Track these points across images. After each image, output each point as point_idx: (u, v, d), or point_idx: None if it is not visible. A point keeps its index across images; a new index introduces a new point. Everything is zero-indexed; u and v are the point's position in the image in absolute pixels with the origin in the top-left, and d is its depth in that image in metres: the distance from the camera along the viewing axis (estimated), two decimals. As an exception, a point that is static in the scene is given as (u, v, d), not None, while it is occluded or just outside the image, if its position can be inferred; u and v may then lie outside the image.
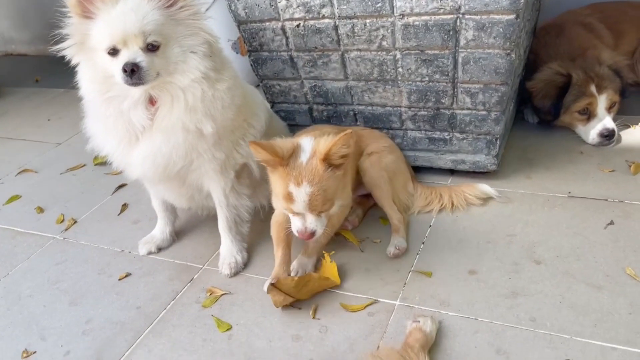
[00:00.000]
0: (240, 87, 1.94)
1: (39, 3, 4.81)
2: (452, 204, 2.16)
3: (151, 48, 1.66)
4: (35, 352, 1.78)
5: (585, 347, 1.52)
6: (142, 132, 1.78)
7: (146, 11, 1.65)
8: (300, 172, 1.65)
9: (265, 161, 1.70)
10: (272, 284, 1.77)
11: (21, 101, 4.02)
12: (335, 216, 1.90)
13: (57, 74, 4.43)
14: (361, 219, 2.17)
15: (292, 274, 1.87)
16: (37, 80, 4.42)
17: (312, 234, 1.71)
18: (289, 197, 1.67)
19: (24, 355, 1.77)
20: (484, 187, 2.18)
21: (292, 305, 1.79)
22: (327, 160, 1.66)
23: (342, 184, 1.79)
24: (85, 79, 1.79)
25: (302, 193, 1.65)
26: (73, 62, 1.79)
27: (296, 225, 1.72)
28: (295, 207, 1.68)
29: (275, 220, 1.95)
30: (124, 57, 1.65)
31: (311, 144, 1.71)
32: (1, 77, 4.32)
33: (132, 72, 1.62)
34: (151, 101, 1.77)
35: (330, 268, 1.87)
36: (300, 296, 1.80)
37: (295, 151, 1.69)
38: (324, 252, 1.89)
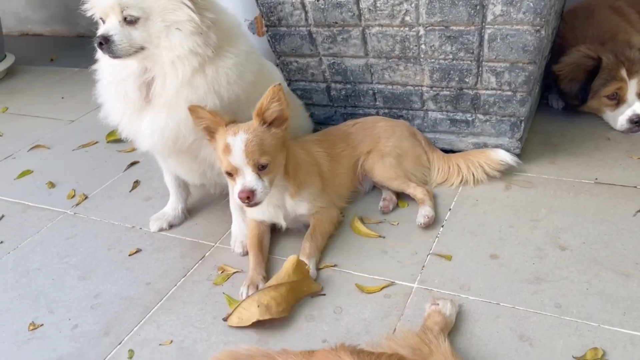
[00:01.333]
0: (254, 63, 1.88)
1: (56, -18, 4.79)
2: (473, 177, 2.11)
3: (129, 21, 1.64)
4: (42, 325, 1.74)
5: (614, 335, 1.44)
6: (141, 103, 1.75)
7: None
8: (237, 126, 1.70)
9: (206, 125, 1.72)
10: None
11: (36, 79, 3.99)
12: (325, 218, 1.93)
13: (72, 53, 4.45)
14: (395, 197, 2.10)
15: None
16: (52, 59, 4.39)
17: (251, 191, 1.66)
18: (227, 149, 1.67)
19: (31, 327, 1.73)
20: (501, 153, 2.10)
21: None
22: (261, 116, 1.71)
23: (284, 158, 1.80)
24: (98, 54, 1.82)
25: (238, 141, 1.66)
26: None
27: (236, 187, 1.69)
28: (232, 158, 1.66)
29: (249, 227, 1.95)
30: (102, 28, 1.66)
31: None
32: (17, 56, 4.28)
33: (101, 45, 1.63)
34: (146, 72, 1.74)
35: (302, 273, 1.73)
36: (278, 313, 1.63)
37: (235, 120, 1.75)
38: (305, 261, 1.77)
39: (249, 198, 1.67)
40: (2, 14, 4.61)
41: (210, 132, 1.76)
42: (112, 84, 1.78)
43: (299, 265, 1.71)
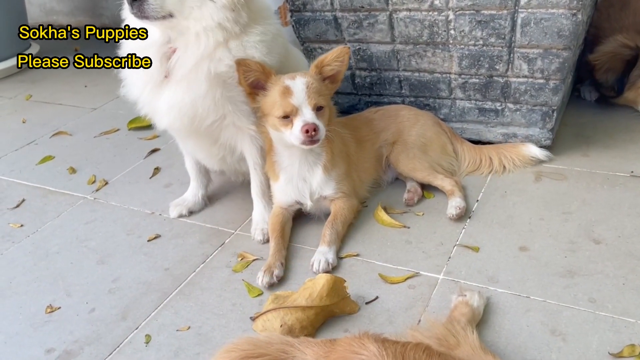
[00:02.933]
0: (280, 46, 1.86)
1: (81, -26, 4.81)
2: (504, 168, 2.07)
3: None
4: (59, 307, 1.72)
5: (653, 332, 1.37)
6: (161, 75, 1.72)
7: None
8: (291, 74, 1.74)
9: (255, 77, 1.71)
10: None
11: (59, 68, 4.00)
12: (347, 205, 1.88)
13: (96, 44, 4.45)
14: (420, 189, 2.04)
15: (315, 265, 1.71)
16: (76, 49, 4.41)
17: (314, 126, 1.66)
18: (286, 91, 1.68)
19: (48, 310, 1.71)
20: (533, 149, 2.06)
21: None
22: (320, 68, 1.77)
23: (330, 112, 1.81)
24: (125, 16, 1.79)
25: (298, 82, 1.70)
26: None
27: (297, 126, 1.68)
28: (294, 98, 1.67)
29: (273, 213, 1.91)
30: None
31: None
32: (42, 45, 4.31)
33: (134, 1, 1.58)
34: (169, 44, 1.71)
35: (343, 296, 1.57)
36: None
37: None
38: (344, 281, 1.59)
39: (314, 131, 1.66)
40: (28, 5, 4.64)
41: (254, 88, 1.74)
42: (133, 53, 1.75)
43: (336, 286, 1.53)
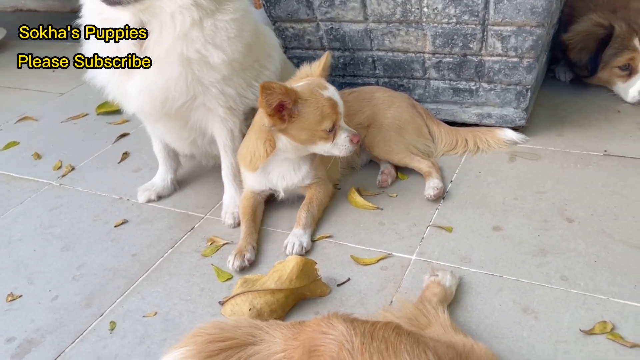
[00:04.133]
0: (251, 23, 1.80)
1: (50, -44, 4.66)
2: (478, 149, 2.06)
3: None
4: (21, 296, 1.66)
5: (624, 308, 1.36)
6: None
7: None
8: (314, 83, 1.71)
9: (280, 99, 1.59)
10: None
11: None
12: (322, 189, 1.86)
13: (65, 28, 4.34)
14: (394, 170, 2.01)
15: (289, 247, 1.67)
16: (45, 34, 4.29)
17: (358, 134, 1.76)
18: (333, 104, 1.68)
19: (9, 298, 1.65)
20: (508, 133, 2.06)
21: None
22: (324, 73, 1.79)
23: None
24: (84, 0, 1.73)
25: (334, 92, 1.71)
26: None
27: (344, 137, 1.71)
28: (339, 109, 1.70)
29: (243, 197, 1.87)
30: None
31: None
32: (9, 30, 4.18)
33: None
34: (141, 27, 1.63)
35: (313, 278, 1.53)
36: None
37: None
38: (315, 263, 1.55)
39: (359, 142, 1.75)
40: (-5, -12, 4.51)
41: (279, 110, 1.62)
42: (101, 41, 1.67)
43: (306, 268, 1.50)
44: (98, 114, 2.78)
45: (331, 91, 1.70)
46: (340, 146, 1.71)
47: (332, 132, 1.69)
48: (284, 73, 2.00)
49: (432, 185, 1.84)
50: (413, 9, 1.95)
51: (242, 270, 1.64)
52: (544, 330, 1.33)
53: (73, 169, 2.31)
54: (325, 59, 1.78)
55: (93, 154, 2.42)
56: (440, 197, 1.83)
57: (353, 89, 2.12)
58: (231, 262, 1.63)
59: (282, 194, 1.84)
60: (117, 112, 2.67)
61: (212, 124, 1.82)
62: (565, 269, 1.50)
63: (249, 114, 1.87)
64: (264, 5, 2.19)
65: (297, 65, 2.25)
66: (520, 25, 1.84)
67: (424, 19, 1.96)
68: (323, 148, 1.72)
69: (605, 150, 1.98)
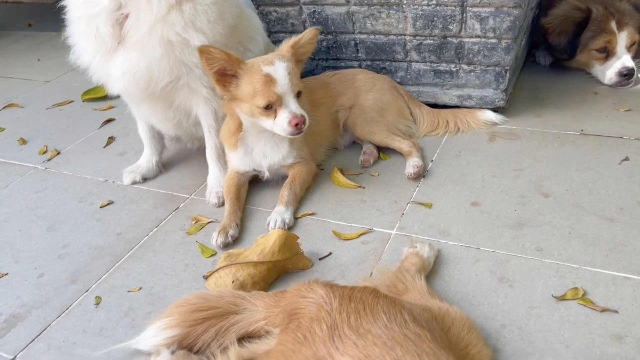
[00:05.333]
0: (233, 6, 1.82)
1: (34, -54, 4.63)
2: (459, 129, 2.10)
3: None
4: (7, 273, 1.68)
5: (596, 276, 1.40)
6: (113, 42, 1.67)
7: None
8: (266, 57, 1.67)
9: (222, 66, 1.63)
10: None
11: (12, 43, 3.88)
12: (305, 169, 1.88)
13: (50, 19, 4.31)
14: (376, 151, 2.05)
15: (271, 224, 1.70)
16: (29, 24, 4.28)
17: (303, 117, 1.65)
18: (268, 80, 1.62)
19: (-5, 276, 1.67)
20: (488, 114, 2.10)
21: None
22: (295, 49, 1.71)
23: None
24: None
25: (279, 68, 1.63)
26: None
27: (284, 117, 1.64)
28: (278, 87, 1.62)
29: (228, 176, 1.89)
30: None
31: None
32: (-6, 21, 4.18)
33: None
34: (120, 9, 1.64)
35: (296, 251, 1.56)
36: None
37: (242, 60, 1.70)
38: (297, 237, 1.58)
39: (303, 124, 1.65)
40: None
41: (223, 76, 1.65)
42: (82, 21, 1.69)
43: (288, 242, 1.53)
44: (84, 101, 2.79)
45: (274, 68, 1.62)
46: (278, 126, 1.66)
47: (272, 109, 1.65)
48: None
49: (412, 164, 1.88)
50: (394, -8, 1.98)
51: (226, 246, 1.66)
52: (518, 297, 1.37)
53: (58, 153, 2.33)
54: (300, 36, 1.73)
55: (78, 139, 2.43)
56: (421, 175, 1.87)
57: (335, 72, 2.15)
58: (215, 239, 1.66)
59: (266, 174, 1.87)
60: (103, 98, 2.70)
61: (197, 105, 1.84)
62: (540, 240, 1.54)
63: (232, 95, 1.89)
64: (247, -12, 2.22)
65: (281, 49, 2.28)
66: (498, 7, 1.88)
67: (405, 1, 1.99)
68: (266, 124, 1.69)
69: (582, 130, 2.03)
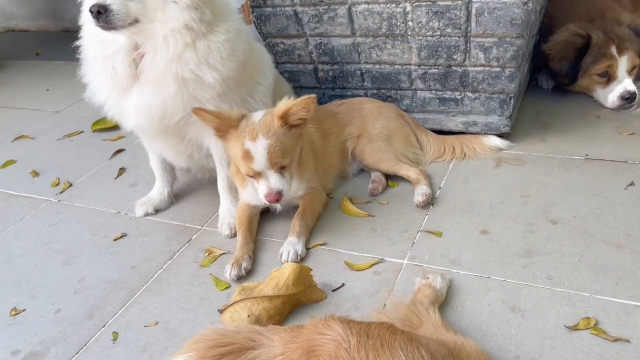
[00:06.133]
0: (244, 42, 1.86)
1: (40, -23, 4.73)
2: (465, 155, 2.14)
3: None
4: (24, 310, 1.70)
5: (607, 305, 1.42)
6: (130, 80, 1.71)
7: None
8: (254, 128, 1.65)
9: (215, 127, 1.69)
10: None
11: (21, 73, 3.93)
12: (316, 199, 1.91)
13: (58, 47, 4.39)
14: (385, 178, 2.08)
15: (284, 255, 1.72)
16: (37, 53, 4.34)
17: (279, 193, 1.67)
18: (247, 155, 1.64)
19: (12, 313, 1.69)
20: (494, 140, 2.13)
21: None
22: (285, 119, 1.67)
23: (300, 149, 1.78)
24: (83, 20, 1.77)
25: (259, 147, 1.64)
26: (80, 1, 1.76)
27: (261, 189, 1.68)
28: (255, 165, 1.64)
29: (239, 208, 1.92)
30: None
31: (261, 113, 1.73)
32: (2, 51, 4.23)
33: (99, 14, 1.56)
34: (137, 49, 1.69)
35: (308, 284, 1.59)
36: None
37: (244, 117, 1.71)
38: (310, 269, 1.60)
39: (277, 200, 1.68)
40: (-14, 9, 4.57)
41: (220, 131, 1.71)
42: (98, 60, 1.74)
43: (302, 275, 1.55)
44: (93, 131, 2.83)
45: (254, 145, 1.63)
46: (259, 193, 1.71)
47: (253, 177, 1.70)
48: (276, 88, 2.07)
49: (420, 192, 1.91)
50: (398, 23, 2.03)
51: (240, 279, 1.69)
52: (531, 327, 1.39)
53: (71, 185, 2.36)
54: (292, 105, 1.66)
55: (90, 170, 2.47)
56: (429, 203, 1.90)
57: (343, 100, 2.20)
58: (229, 272, 1.69)
59: (278, 207, 1.90)
60: (112, 128, 2.74)
61: (208, 138, 1.88)
62: (550, 268, 1.56)
63: (243, 128, 1.93)
64: (254, 22, 2.27)
65: (289, 79, 2.34)
66: (501, 37, 1.93)
67: (409, 33, 2.04)
68: (252, 184, 1.75)
69: (587, 154, 2.06)
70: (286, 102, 1.68)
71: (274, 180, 1.67)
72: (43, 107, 3.24)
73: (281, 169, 1.68)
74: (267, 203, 1.72)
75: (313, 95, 1.66)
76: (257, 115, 1.73)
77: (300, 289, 1.54)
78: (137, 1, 1.61)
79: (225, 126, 1.68)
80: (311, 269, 1.59)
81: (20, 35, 5.04)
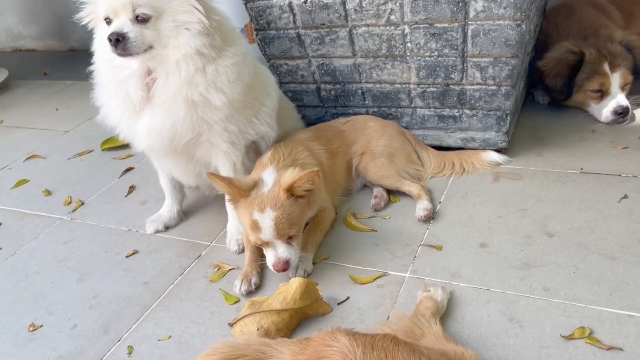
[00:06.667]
0: (250, 65, 1.93)
1: (48, -2, 4.84)
2: (464, 170, 2.21)
3: (141, 19, 1.68)
4: (42, 325, 1.77)
5: (601, 315, 1.48)
6: (142, 103, 1.79)
7: None
8: (262, 200, 1.70)
9: (227, 193, 1.75)
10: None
11: (29, 92, 4.03)
12: (326, 216, 1.97)
13: (65, 66, 4.50)
14: (386, 194, 2.14)
15: (291, 272, 1.79)
16: (45, 73, 4.44)
17: (286, 262, 1.71)
18: (255, 226, 1.70)
19: (31, 329, 1.76)
20: (492, 155, 2.21)
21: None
22: (291, 191, 1.72)
23: (306, 209, 1.82)
24: (96, 47, 1.85)
25: (266, 219, 1.68)
26: (91, 28, 1.86)
27: (269, 258, 1.73)
28: (263, 235, 1.69)
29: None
30: (113, 26, 1.68)
31: (273, 177, 1.78)
32: (10, 71, 4.33)
33: (117, 42, 1.65)
34: (149, 73, 1.77)
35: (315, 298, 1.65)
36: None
37: (256, 184, 1.75)
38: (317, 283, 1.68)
39: (285, 269, 1.72)
40: (-5, 30, 4.68)
41: (231, 198, 1.78)
42: (112, 85, 1.82)
43: (308, 289, 1.62)
44: (103, 150, 2.91)
45: (262, 217, 1.67)
46: (267, 259, 1.74)
47: (261, 245, 1.75)
48: (280, 107, 2.14)
49: (422, 207, 1.98)
50: (397, 45, 2.11)
51: (249, 293, 1.76)
52: (529, 337, 1.45)
53: (82, 203, 2.44)
54: (296, 178, 1.69)
55: (100, 188, 2.55)
56: (430, 217, 1.97)
57: (348, 119, 2.27)
58: (238, 287, 1.75)
59: None
60: (122, 147, 2.82)
61: (216, 158, 1.95)
62: (547, 280, 1.63)
63: (250, 148, 2.01)
64: (258, 45, 2.35)
65: (292, 98, 2.42)
66: (497, 57, 2.01)
67: (408, 53, 2.12)
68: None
69: (582, 168, 2.13)
70: (291, 175, 1.72)
71: (282, 250, 1.71)
72: (53, 127, 3.33)
73: (289, 239, 1.72)
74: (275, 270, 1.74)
75: (316, 169, 1.72)
76: (269, 179, 1.77)
77: (307, 303, 1.61)
78: (151, 29, 1.70)
79: (236, 194, 1.74)
80: (317, 283, 1.66)
81: (27, 55, 5.15)
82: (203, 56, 1.74)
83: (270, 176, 1.79)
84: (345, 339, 1.22)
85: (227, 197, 1.81)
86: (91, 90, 1.96)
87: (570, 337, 1.43)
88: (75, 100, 3.68)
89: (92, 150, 2.94)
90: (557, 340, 1.43)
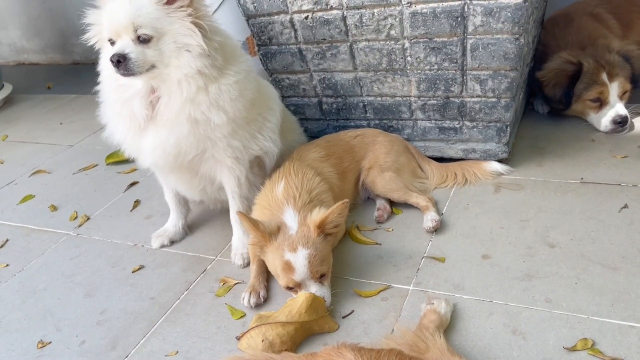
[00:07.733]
0: (252, 81, 1.96)
1: (50, 12, 4.89)
2: (466, 181, 2.23)
3: (142, 40, 1.72)
4: (50, 342, 1.79)
5: (603, 326, 1.50)
6: (146, 121, 1.82)
7: (141, 4, 1.71)
8: (292, 240, 1.70)
9: (253, 236, 1.74)
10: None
11: (34, 107, 4.07)
12: (338, 232, 1.94)
13: (69, 81, 4.54)
14: (389, 206, 2.17)
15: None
16: (49, 87, 4.48)
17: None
18: (288, 267, 1.68)
19: (39, 345, 1.78)
20: (494, 165, 2.23)
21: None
22: (322, 228, 1.72)
23: (333, 244, 1.83)
24: (102, 67, 1.89)
25: (300, 257, 1.67)
26: (97, 48, 1.90)
27: None
28: (296, 276, 1.68)
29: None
30: (115, 47, 1.72)
31: (296, 219, 1.77)
32: (14, 85, 4.36)
33: (119, 63, 1.69)
34: (153, 92, 1.81)
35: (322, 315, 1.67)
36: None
37: (280, 228, 1.74)
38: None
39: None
40: (-2, 44, 4.72)
41: (257, 244, 1.77)
42: (117, 104, 1.85)
43: (314, 304, 1.64)
44: (107, 164, 2.94)
45: (295, 256, 1.67)
46: None
47: (292, 289, 1.72)
48: (283, 122, 2.17)
49: (430, 218, 2.00)
50: (398, 59, 2.14)
51: (258, 306, 1.78)
52: (532, 349, 1.47)
53: (88, 218, 2.46)
54: (328, 213, 1.71)
55: (106, 203, 2.57)
56: (438, 228, 1.99)
57: (357, 132, 2.30)
58: (247, 299, 1.78)
59: None
60: (126, 161, 2.84)
61: (221, 173, 1.98)
62: (549, 291, 1.65)
63: (254, 162, 2.04)
64: (261, 60, 2.39)
65: (294, 112, 2.44)
66: (496, 70, 2.03)
67: (408, 67, 2.15)
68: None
69: (582, 178, 2.15)
70: (321, 212, 1.72)
71: (315, 290, 1.68)
72: (57, 141, 3.36)
73: (320, 278, 1.70)
74: None
75: (346, 200, 1.72)
76: (290, 220, 1.77)
77: (313, 317, 1.63)
78: (153, 49, 1.73)
79: (262, 238, 1.73)
80: (325, 299, 1.68)
81: (31, 69, 5.19)
82: (204, 76, 1.77)
83: (293, 219, 1.78)
84: (351, 355, 1.24)
85: (250, 241, 1.80)
86: (95, 104, 1.99)
87: (573, 349, 1.45)
88: (79, 114, 3.71)
89: (96, 165, 2.97)
90: (560, 352, 1.45)
